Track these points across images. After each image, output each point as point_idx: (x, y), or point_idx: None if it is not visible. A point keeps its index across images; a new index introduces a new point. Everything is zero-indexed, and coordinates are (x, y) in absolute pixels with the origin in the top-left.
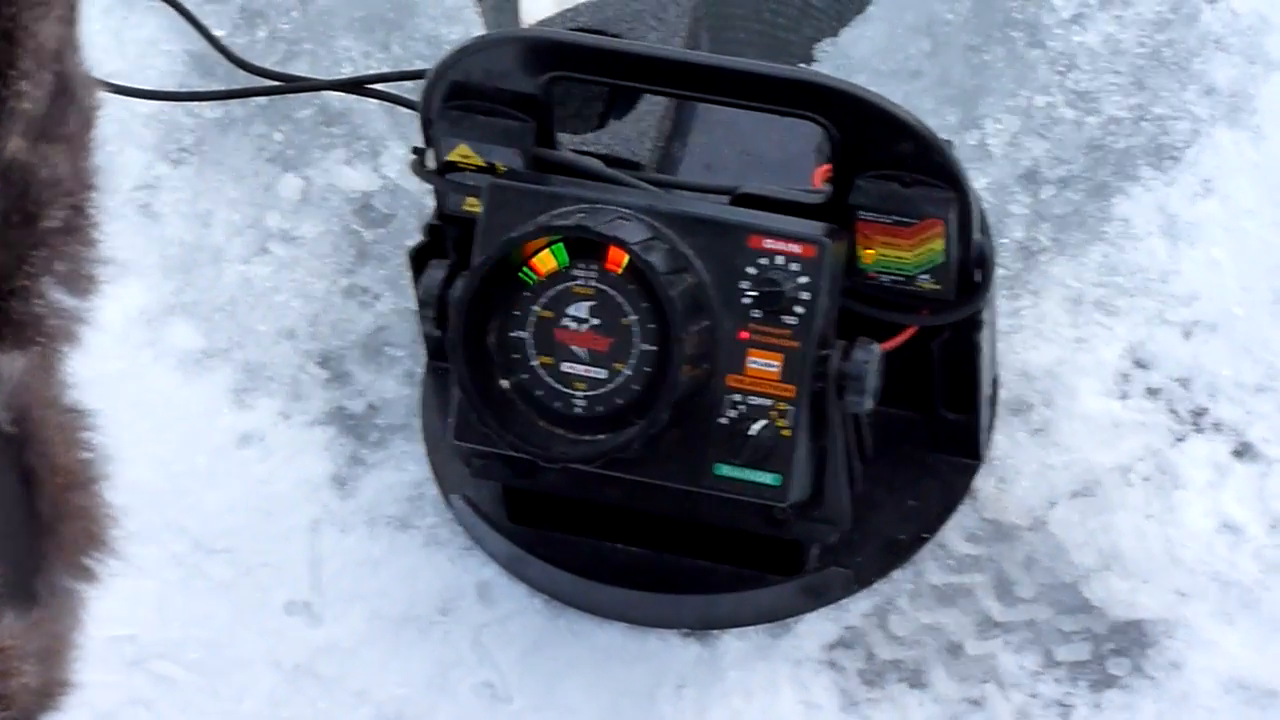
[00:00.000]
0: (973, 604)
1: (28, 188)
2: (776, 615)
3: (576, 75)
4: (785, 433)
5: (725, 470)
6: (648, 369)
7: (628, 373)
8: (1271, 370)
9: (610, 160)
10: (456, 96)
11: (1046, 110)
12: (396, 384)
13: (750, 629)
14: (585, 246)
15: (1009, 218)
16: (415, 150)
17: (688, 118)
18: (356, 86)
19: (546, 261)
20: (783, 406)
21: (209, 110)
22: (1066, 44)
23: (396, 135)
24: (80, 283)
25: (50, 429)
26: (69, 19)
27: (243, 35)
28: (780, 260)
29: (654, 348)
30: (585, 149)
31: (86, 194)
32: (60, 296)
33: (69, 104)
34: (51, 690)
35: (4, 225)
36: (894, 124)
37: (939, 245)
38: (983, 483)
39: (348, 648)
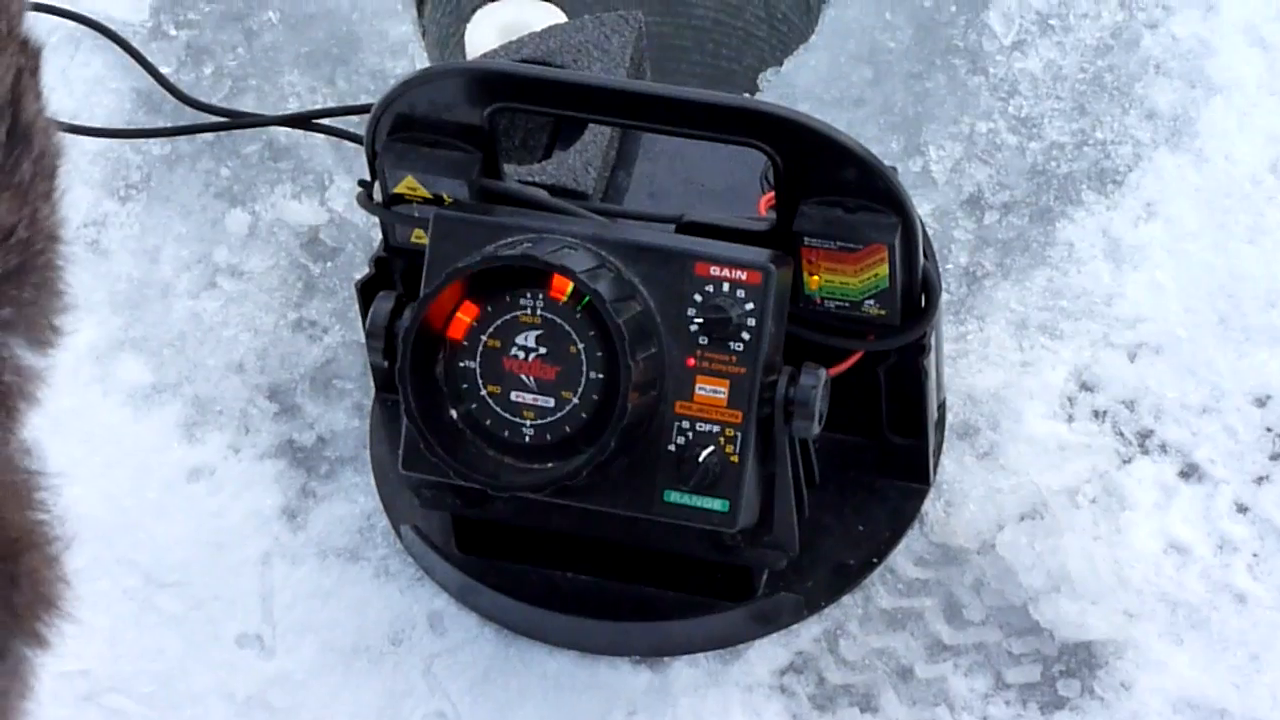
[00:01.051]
0: (922, 627)
1: None
2: (727, 641)
3: (521, 106)
4: (733, 459)
5: (674, 497)
6: (595, 397)
7: (576, 401)
8: (1216, 391)
9: (556, 190)
10: (402, 129)
11: (989, 136)
12: (345, 416)
13: (701, 655)
14: (531, 276)
15: (953, 243)
16: (362, 183)
17: (632, 147)
18: (303, 121)
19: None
20: (730, 433)
21: (156, 147)
22: (1008, 70)
23: (343, 169)
24: (41, 334)
25: (1, 490)
26: (29, 67)
27: (189, 72)
28: (726, 287)
29: (601, 376)
30: (531, 179)
31: (50, 245)
32: (19, 351)
33: (24, 152)
34: None
35: None
36: (838, 150)
37: (883, 270)
38: (931, 507)
39: (299, 679)
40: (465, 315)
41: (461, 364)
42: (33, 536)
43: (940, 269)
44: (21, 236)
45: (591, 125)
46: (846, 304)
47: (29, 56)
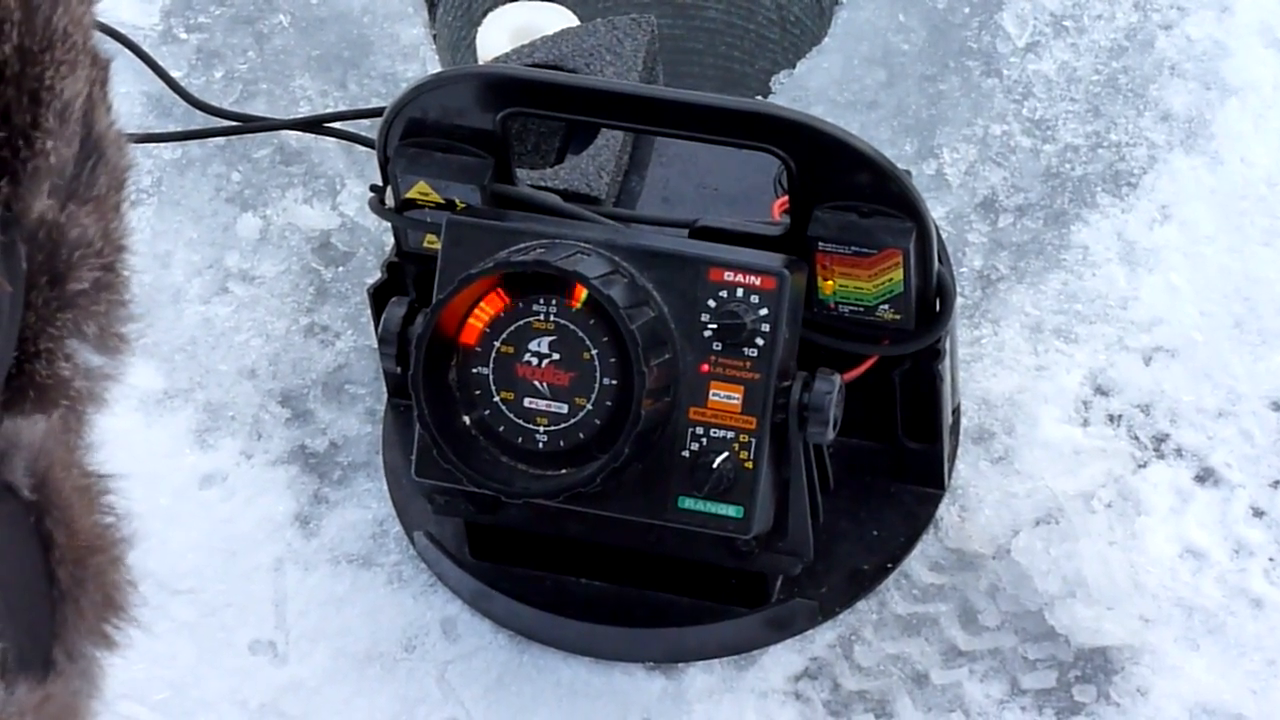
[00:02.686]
0: (938, 633)
1: (56, 249)
2: (741, 647)
3: (533, 111)
4: (747, 465)
5: (688, 503)
6: (609, 403)
7: (589, 407)
8: (1232, 395)
9: (568, 195)
10: (414, 134)
11: (1003, 139)
12: (358, 422)
13: (715, 661)
14: (545, 282)
15: (967, 247)
16: (374, 188)
17: (645, 152)
18: (314, 125)
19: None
20: (744, 438)
21: (167, 151)
22: (1022, 72)
23: (355, 173)
24: (110, 342)
25: (71, 494)
26: (99, 79)
27: (199, 76)
28: (740, 292)
29: (615, 382)
30: (543, 184)
31: (118, 255)
32: (88, 357)
33: (99, 164)
34: None
35: (31, 287)
36: (851, 154)
37: (898, 275)
38: (946, 511)
39: (313, 686)
40: (478, 321)
41: (474, 370)
42: (101, 540)
43: (954, 273)
44: (98, 248)
45: (604, 130)
46: (861, 309)
47: (99, 69)
